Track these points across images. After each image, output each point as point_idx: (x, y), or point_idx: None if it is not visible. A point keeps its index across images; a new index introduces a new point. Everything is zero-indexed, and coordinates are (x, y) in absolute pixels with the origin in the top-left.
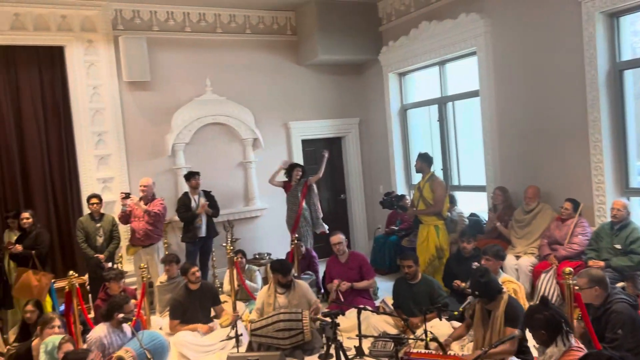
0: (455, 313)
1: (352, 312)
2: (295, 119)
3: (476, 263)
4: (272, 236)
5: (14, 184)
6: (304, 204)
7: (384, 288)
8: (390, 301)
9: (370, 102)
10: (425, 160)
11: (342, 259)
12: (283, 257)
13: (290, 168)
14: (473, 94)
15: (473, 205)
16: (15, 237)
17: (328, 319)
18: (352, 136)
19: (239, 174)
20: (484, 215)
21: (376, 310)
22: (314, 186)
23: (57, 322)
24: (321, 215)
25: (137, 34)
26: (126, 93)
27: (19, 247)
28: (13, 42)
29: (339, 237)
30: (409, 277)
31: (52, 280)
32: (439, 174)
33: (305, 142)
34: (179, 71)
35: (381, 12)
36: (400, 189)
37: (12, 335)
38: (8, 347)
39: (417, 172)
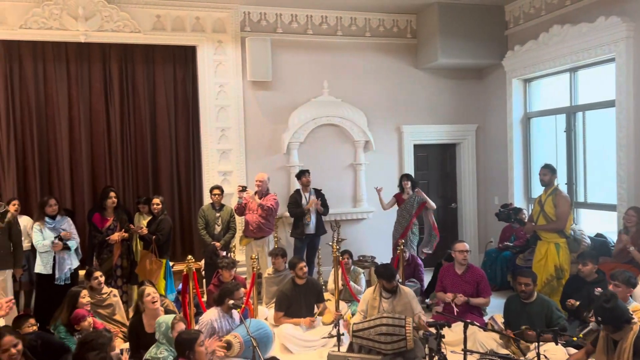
0: (575, 339)
1: (458, 326)
2: (408, 122)
3: (599, 289)
4: (377, 240)
5: (146, 171)
6: (415, 220)
7: (494, 305)
8: (500, 319)
9: (490, 108)
10: (553, 172)
11: (460, 269)
12: (387, 261)
13: (400, 179)
14: (608, 104)
15: (600, 224)
16: (145, 221)
17: (433, 330)
18: (467, 143)
19: (349, 175)
20: (611, 236)
21: (484, 327)
22: (430, 205)
23: (151, 290)
24: (436, 238)
25: (263, 36)
26: (249, 92)
27: (145, 230)
28: (153, 42)
29: (464, 245)
30: (524, 295)
31: (171, 264)
32: (563, 188)
33: (418, 147)
34: (298, 72)
35: (508, 15)
36: (518, 201)
37: (131, 311)
38: (130, 320)
39: (544, 184)
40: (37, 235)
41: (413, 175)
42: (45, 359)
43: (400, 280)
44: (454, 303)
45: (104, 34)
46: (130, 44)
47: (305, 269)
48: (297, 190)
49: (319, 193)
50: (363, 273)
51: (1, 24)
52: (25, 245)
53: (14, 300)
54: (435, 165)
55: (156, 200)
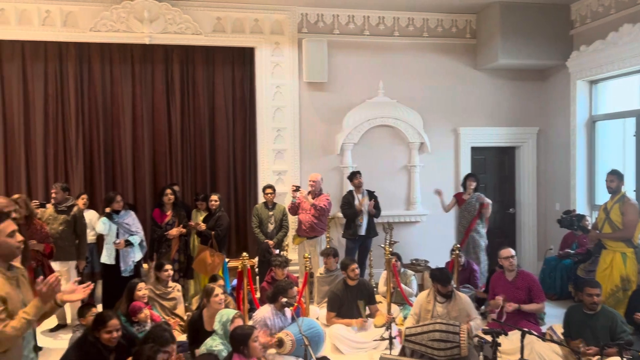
0: None
1: (514, 334)
2: (465, 125)
3: None
4: (431, 243)
5: (204, 169)
6: (478, 220)
7: (552, 314)
8: (559, 329)
9: (552, 110)
10: (621, 178)
11: (510, 276)
12: (440, 266)
13: (464, 178)
14: None
15: None
16: (202, 217)
17: (489, 338)
18: (528, 146)
19: (403, 177)
20: None
21: (542, 337)
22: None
23: (220, 290)
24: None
25: (319, 37)
26: (304, 92)
27: (203, 226)
28: (214, 43)
29: (509, 251)
30: (594, 307)
31: (226, 260)
32: (631, 195)
33: (475, 150)
34: (354, 73)
35: (574, 15)
36: (580, 208)
37: (194, 303)
38: (188, 313)
39: (610, 191)
40: (103, 226)
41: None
42: (122, 347)
43: (455, 286)
44: (503, 310)
45: (167, 35)
46: (192, 45)
47: (357, 271)
48: (350, 192)
49: (371, 195)
50: (414, 276)
51: (73, 27)
52: (90, 238)
53: (92, 286)
54: (493, 169)
55: (214, 197)
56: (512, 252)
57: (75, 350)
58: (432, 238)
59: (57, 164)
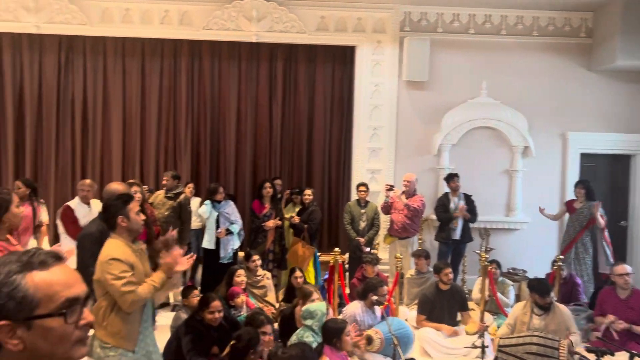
0: None
1: (622, 356)
2: (575, 129)
3: None
4: (530, 253)
5: (300, 164)
6: (586, 232)
7: None
8: None
9: None
10: None
11: (623, 294)
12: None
13: (575, 186)
14: None
15: None
16: (297, 210)
17: (592, 356)
18: None
19: (503, 182)
20: None
21: None
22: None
23: (316, 296)
24: (610, 259)
25: (422, 35)
26: (403, 91)
27: (296, 219)
28: (317, 42)
29: (624, 268)
30: None
31: (318, 254)
32: None
33: (585, 157)
34: (455, 72)
35: None
36: None
37: (281, 294)
38: (279, 303)
39: None
40: (206, 207)
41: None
42: (224, 328)
43: (555, 299)
44: (612, 329)
45: (273, 34)
46: (295, 44)
47: (451, 275)
48: (446, 194)
49: (468, 198)
50: (512, 286)
51: (188, 25)
52: (195, 224)
53: (194, 257)
54: (604, 178)
55: (308, 192)
56: (629, 269)
57: (184, 328)
58: (532, 247)
59: (168, 154)
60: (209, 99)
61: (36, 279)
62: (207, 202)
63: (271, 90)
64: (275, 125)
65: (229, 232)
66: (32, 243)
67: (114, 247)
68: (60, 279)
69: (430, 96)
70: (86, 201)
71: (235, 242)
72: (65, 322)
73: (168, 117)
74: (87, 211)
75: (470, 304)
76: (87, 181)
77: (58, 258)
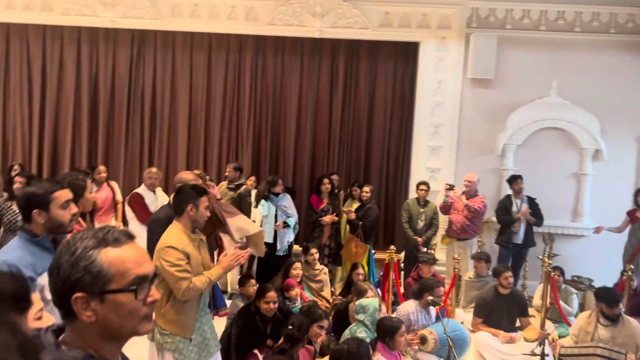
0: None
1: None
2: None
3: None
4: (597, 261)
5: (359, 161)
6: None
7: None
8: None
9: None
10: None
11: None
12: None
13: (635, 194)
14: None
15: None
16: (355, 206)
17: None
18: None
19: (570, 186)
20: None
21: None
22: None
23: (371, 293)
24: None
25: (489, 32)
26: (467, 89)
27: (353, 215)
28: (380, 38)
29: None
30: None
31: (373, 251)
32: None
33: None
34: (523, 71)
35: None
36: None
37: (338, 288)
38: (334, 297)
39: None
40: (262, 207)
41: None
42: (278, 319)
43: (623, 310)
44: None
45: (336, 30)
46: (358, 39)
47: (511, 279)
48: (508, 196)
49: (532, 202)
50: (576, 294)
51: (253, 20)
52: (253, 216)
53: (250, 251)
54: None
55: (366, 189)
56: None
57: (239, 317)
58: (599, 255)
59: (230, 146)
60: (271, 94)
61: (110, 255)
62: (263, 201)
63: (332, 85)
64: (334, 120)
65: (286, 225)
66: (113, 222)
67: (173, 235)
68: (131, 256)
69: (495, 94)
70: (152, 189)
71: (290, 235)
72: (135, 298)
73: (231, 111)
74: (153, 199)
75: (531, 311)
76: (154, 169)
77: (130, 236)
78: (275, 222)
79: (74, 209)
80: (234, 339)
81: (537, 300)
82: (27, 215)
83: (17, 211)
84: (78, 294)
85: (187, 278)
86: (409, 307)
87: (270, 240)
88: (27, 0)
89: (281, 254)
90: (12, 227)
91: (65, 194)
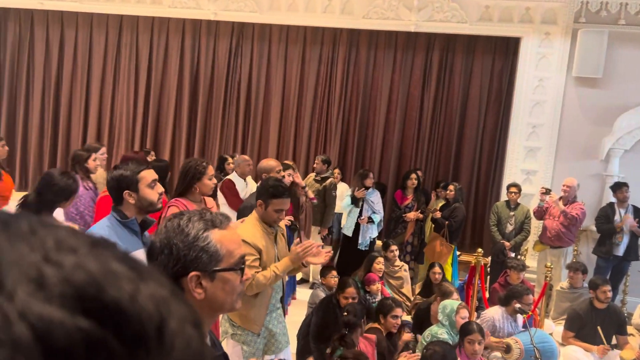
0: None
1: None
2: None
3: None
4: None
5: (448, 158)
6: None
7: None
8: None
9: None
10: None
11: None
12: None
13: None
14: None
15: None
16: (440, 205)
17: None
18: None
19: None
20: None
21: None
22: None
23: (455, 296)
24: None
25: (599, 27)
26: (571, 88)
27: (438, 214)
28: (478, 32)
29: None
30: None
31: (458, 253)
32: None
33: None
34: (635, 70)
35: None
36: None
37: (417, 287)
38: (415, 296)
39: None
40: (347, 200)
41: None
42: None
43: None
44: None
45: (432, 24)
46: (454, 34)
47: (609, 293)
48: (611, 204)
49: (638, 212)
50: None
51: (348, 14)
52: (337, 209)
53: (331, 253)
54: None
55: (451, 187)
56: None
57: (320, 307)
58: None
59: (319, 138)
60: (362, 87)
61: (218, 236)
62: (348, 197)
63: (424, 80)
64: (425, 116)
65: (370, 221)
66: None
67: (247, 228)
68: (235, 238)
69: (602, 95)
70: (244, 176)
71: (374, 231)
72: (240, 276)
73: (322, 103)
74: (243, 185)
75: (629, 329)
76: (247, 157)
77: (228, 218)
78: (360, 215)
79: (159, 188)
80: (313, 328)
81: (637, 319)
82: (119, 197)
83: None
84: (193, 273)
85: (255, 276)
86: (494, 313)
87: (350, 234)
88: None
89: (362, 248)
90: None
91: (151, 174)
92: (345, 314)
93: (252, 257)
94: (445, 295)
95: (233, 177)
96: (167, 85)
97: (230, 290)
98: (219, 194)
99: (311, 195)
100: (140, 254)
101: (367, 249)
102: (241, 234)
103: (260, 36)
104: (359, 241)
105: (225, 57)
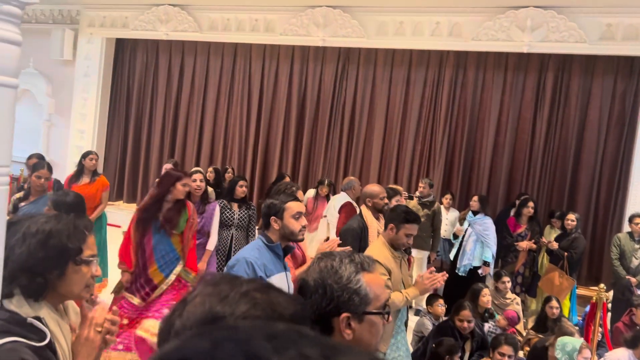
0: None
1: None
2: None
3: None
4: None
5: (563, 185)
6: None
7: None
8: None
9: None
10: None
11: None
12: None
13: None
14: None
15: None
16: (555, 235)
17: None
18: None
19: None
20: None
21: None
22: None
23: (577, 336)
24: None
25: None
26: None
27: (554, 245)
28: (598, 52)
29: None
30: None
31: (575, 286)
32: None
33: None
34: None
35: None
36: None
37: (530, 322)
38: (527, 330)
39: None
40: (458, 224)
41: None
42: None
43: None
44: None
45: (547, 44)
46: (570, 54)
47: None
48: None
49: None
50: None
51: (457, 36)
52: (444, 233)
53: (446, 276)
54: None
55: (571, 217)
56: None
57: (438, 331)
58: None
59: (422, 161)
60: (469, 109)
61: (367, 279)
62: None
63: (537, 102)
64: (537, 139)
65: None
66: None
67: (377, 250)
68: (380, 281)
69: None
70: (355, 197)
71: (474, 260)
72: (385, 320)
73: (426, 126)
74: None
75: None
76: (356, 179)
77: (374, 262)
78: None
79: (304, 221)
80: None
81: None
82: (267, 221)
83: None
84: (345, 314)
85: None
86: (620, 355)
87: (449, 259)
88: (253, 23)
89: (460, 274)
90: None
91: (298, 206)
92: (435, 345)
93: (385, 276)
94: (565, 335)
95: (348, 198)
96: (276, 108)
97: (375, 332)
98: (336, 215)
99: None
100: (282, 277)
101: (465, 275)
102: (374, 254)
103: (366, 60)
104: (457, 265)
105: (331, 81)
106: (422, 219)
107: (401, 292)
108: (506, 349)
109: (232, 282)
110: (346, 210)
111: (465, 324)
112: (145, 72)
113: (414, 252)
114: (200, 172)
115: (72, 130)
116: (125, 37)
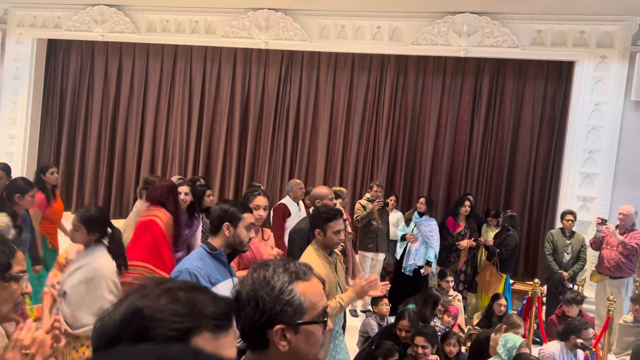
0: None
1: None
2: None
3: None
4: None
5: (499, 184)
6: None
7: None
8: None
9: None
10: None
11: None
12: None
13: None
14: None
15: None
16: (493, 233)
17: None
18: None
19: None
20: None
21: None
22: None
23: (522, 331)
24: None
25: None
26: (629, 113)
27: (490, 242)
28: (530, 57)
29: None
30: None
31: (511, 282)
32: None
33: None
34: None
35: None
36: None
37: (476, 318)
38: (469, 327)
39: None
40: (402, 225)
41: None
42: None
43: None
44: None
45: (483, 49)
46: (505, 58)
47: None
48: None
49: None
50: None
51: (397, 40)
52: (392, 236)
53: (389, 286)
54: None
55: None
56: None
57: (381, 337)
58: None
59: (366, 163)
60: (410, 112)
61: (302, 289)
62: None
63: (474, 105)
64: (475, 141)
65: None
66: None
67: (309, 258)
68: (318, 289)
69: None
70: (297, 200)
71: (418, 260)
72: (324, 329)
73: (370, 128)
74: (297, 209)
75: None
76: (299, 181)
77: (311, 269)
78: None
79: (252, 233)
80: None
81: None
82: (218, 225)
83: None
84: (279, 326)
85: None
86: (554, 348)
87: (394, 258)
88: (193, 25)
89: (406, 273)
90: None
91: (251, 218)
92: (373, 348)
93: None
94: (513, 327)
95: (287, 201)
96: (218, 111)
97: (313, 342)
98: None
99: (349, 229)
100: (228, 284)
101: (410, 275)
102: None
103: (309, 63)
104: (403, 264)
105: (274, 84)
106: (382, 223)
107: (335, 298)
108: (419, 340)
109: (160, 282)
110: (275, 210)
111: (403, 334)
112: (80, 74)
113: (379, 256)
114: (186, 184)
115: (2, 136)
116: (58, 37)
